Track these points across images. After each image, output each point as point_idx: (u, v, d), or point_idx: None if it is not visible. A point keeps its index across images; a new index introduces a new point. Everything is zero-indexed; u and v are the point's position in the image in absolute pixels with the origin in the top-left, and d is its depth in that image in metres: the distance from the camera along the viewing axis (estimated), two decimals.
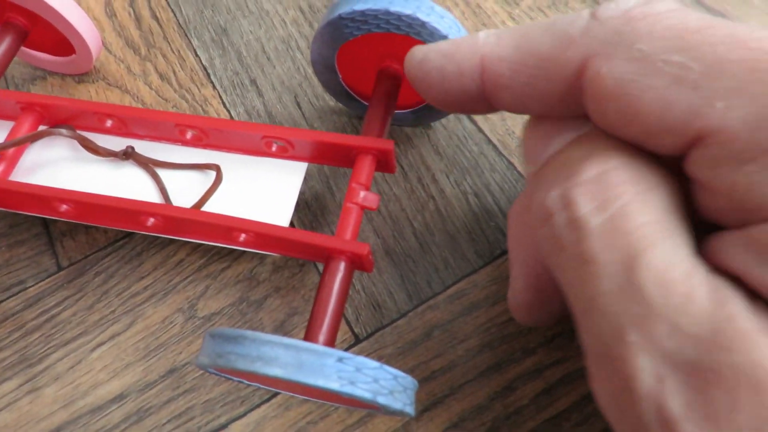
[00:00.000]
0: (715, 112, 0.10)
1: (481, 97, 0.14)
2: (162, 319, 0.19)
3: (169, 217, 0.17)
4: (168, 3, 0.27)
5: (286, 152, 0.19)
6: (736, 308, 0.09)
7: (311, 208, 0.21)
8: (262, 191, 0.19)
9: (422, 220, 0.20)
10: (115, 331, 0.19)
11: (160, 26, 0.26)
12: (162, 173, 0.20)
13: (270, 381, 0.15)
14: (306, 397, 0.17)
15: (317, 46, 0.19)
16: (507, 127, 0.22)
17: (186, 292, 0.19)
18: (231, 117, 0.23)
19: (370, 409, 0.15)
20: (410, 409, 0.14)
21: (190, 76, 0.25)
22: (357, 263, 0.17)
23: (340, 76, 0.20)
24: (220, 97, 0.24)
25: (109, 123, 0.20)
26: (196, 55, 0.25)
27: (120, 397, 0.18)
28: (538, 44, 0.12)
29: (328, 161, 0.19)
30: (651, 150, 0.11)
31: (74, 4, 0.21)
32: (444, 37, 0.17)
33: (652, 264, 0.10)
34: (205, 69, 0.25)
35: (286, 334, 0.18)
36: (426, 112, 0.21)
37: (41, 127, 0.20)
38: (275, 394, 0.18)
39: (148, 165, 0.20)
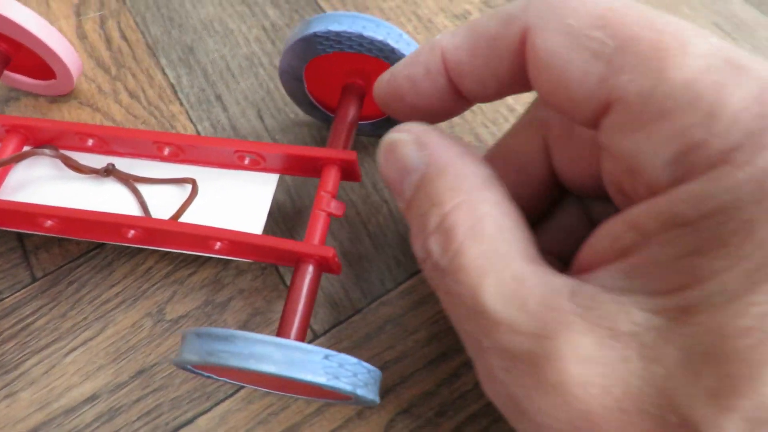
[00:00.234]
0: (620, 84, 0.11)
1: (450, 90, 0.14)
2: (132, 324, 0.20)
3: (149, 228, 0.19)
4: (137, 24, 0.28)
5: (257, 165, 0.20)
6: (559, 302, 0.11)
7: (282, 216, 0.22)
8: (237, 202, 0.20)
9: (376, 223, 0.22)
10: (87, 337, 0.20)
11: (130, 47, 0.28)
12: (141, 188, 0.21)
13: (245, 376, 0.16)
14: (272, 391, 0.18)
15: (288, 57, 0.20)
16: (455, 134, 0.23)
17: (155, 298, 0.21)
18: (197, 131, 0.25)
19: (343, 399, 0.16)
20: (377, 399, 0.15)
21: (159, 94, 0.26)
22: (324, 266, 0.18)
23: (306, 86, 0.21)
24: (187, 113, 0.25)
25: (90, 142, 0.21)
26: (164, 73, 0.27)
27: (92, 398, 0.19)
28: (486, 27, 0.13)
29: (297, 172, 0.20)
30: (576, 120, 0.12)
31: (56, 32, 0.22)
32: None
33: (488, 287, 0.12)
34: (172, 86, 0.26)
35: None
36: (384, 123, 0.22)
37: (26, 148, 0.22)
38: (239, 390, 0.19)
39: (129, 181, 0.21)
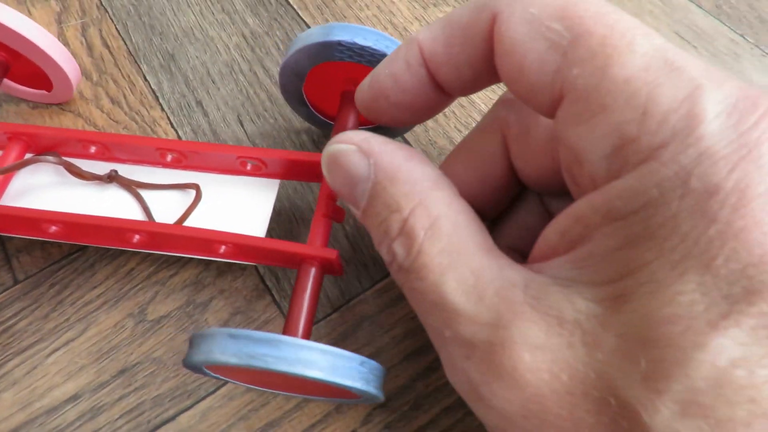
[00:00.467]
0: (571, 76, 0.11)
1: (431, 82, 0.15)
2: (114, 324, 0.21)
3: (154, 233, 0.19)
4: (118, 32, 0.29)
5: (259, 170, 0.21)
6: (513, 293, 0.12)
7: (283, 220, 0.23)
8: (239, 207, 0.21)
9: (353, 224, 0.22)
10: (69, 338, 0.20)
11: (111, 54, 0.28)
12: (144, 194, 0.21)
13: (257, 377, 0.16)
14: (276, 391, 0.18)
15: (299, 56, 0.20)
16: (429, 138, 0.24)
17: (136, 299, 0.21)
18: (179, 136, 0.25)
19: (354, 398, 0.17)
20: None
21: (140, 100, 0.26)
22: (327, 268, 0.18)
23: (303, 85, 0.22)
24: (169, 118, 0.26)
25: (93, 149, 0.21)
26: (146, 79, 0.27)
27: (74, 398, 0.19)
28: (460, 16, 0.14)
29: (298, 177, 0.21)
30: (536, 108, 0.13)
31: (56, 41, 0.23)
32: None
33: (450, 282, 0.12)
34: (153, 92, 0.27)
35: None
36: (379, 129, 0.23)
37: (28, 155, 0.22)
38: (220, 387, 0.19)
39: (131, 186, 0.21)
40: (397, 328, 0.20)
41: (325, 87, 0.22)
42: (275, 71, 0.27)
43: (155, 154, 0.21)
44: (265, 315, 0.20)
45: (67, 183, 0.22)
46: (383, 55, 0.19)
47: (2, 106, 0.26)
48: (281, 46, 0.28)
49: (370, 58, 0.19)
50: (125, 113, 0.26)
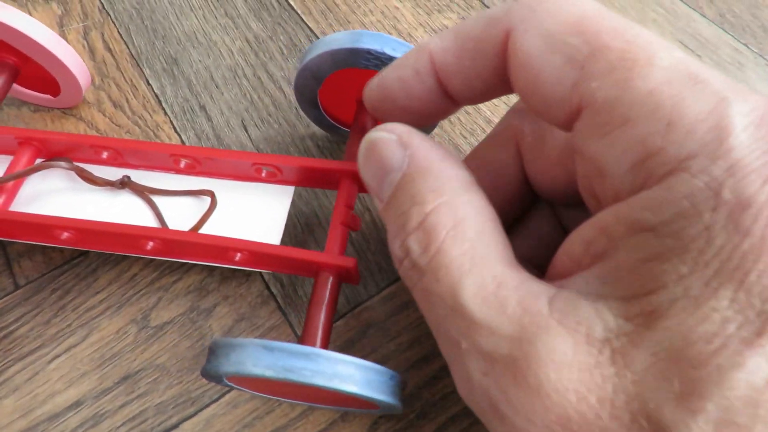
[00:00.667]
0: (590, 90, 0.11)
1: (439, 90, 0.15)
2: (116, 330, 0.20)
3: (169, 240, 0.19)
4: (121, 35, 0.29)
5: (274, 177, 0.21)
6: (538, 306, 0.11)
7: (298, 227, 0.23)
8: (253, 214, 0.20)
9: (359, 230, 0.22)
10: (71, 344, 0.20)
11: (114, 57, 0.28)
12: (157, 200, 0.21)
13: (281, 388, 0.16)
14: (294, 401, 0.18)
15: (321, 60, 0.19)
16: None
17: (139, 304, 0.21)
18: (182, 141, 0.25)
19: (372, 408, 0.17)
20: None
21: (143, 104, 0.26)
22: (344, 276, 0.18)
23: (319, 88, 0.21)
24: (172, 122, 0.26)
25: (105, 155, 0.21)
26: (148, 83, 0.27)
27: (76, 404, 0.19)
28: (472, 29, 0.14)
29: (314, 184, 0.21)
30: (552, 122, 0.13)
31: (68, 47, 0.22)
32: None
33: (469, 287, 0.12)
34: (156, 96, 0.26)
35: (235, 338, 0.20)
36: None
37: (38, 160, 0.21)
38: (224, 394, 0.19)
39: (144, 193, 0.21)
40: (403, 335, 0.20)
41: (341, 92, 0.21)
42: (279, 76, 0.27)
43: (168, 160, 0.21)
44: (270, 321, 0.20)
45: (79, 189, 0.21)
46: None
47: (3, 109, 0.26)
48: (285, 51, 0.28)
49: None
50: (128, 117, 0.26)
